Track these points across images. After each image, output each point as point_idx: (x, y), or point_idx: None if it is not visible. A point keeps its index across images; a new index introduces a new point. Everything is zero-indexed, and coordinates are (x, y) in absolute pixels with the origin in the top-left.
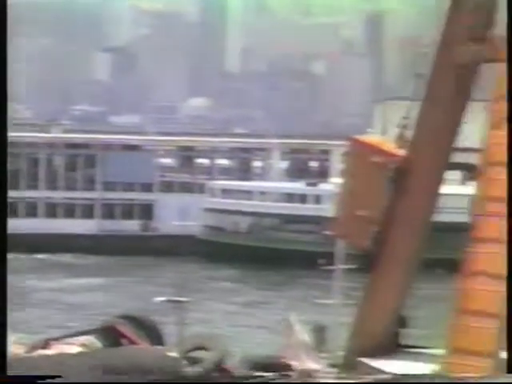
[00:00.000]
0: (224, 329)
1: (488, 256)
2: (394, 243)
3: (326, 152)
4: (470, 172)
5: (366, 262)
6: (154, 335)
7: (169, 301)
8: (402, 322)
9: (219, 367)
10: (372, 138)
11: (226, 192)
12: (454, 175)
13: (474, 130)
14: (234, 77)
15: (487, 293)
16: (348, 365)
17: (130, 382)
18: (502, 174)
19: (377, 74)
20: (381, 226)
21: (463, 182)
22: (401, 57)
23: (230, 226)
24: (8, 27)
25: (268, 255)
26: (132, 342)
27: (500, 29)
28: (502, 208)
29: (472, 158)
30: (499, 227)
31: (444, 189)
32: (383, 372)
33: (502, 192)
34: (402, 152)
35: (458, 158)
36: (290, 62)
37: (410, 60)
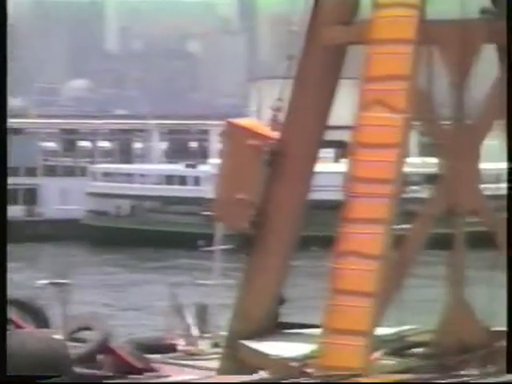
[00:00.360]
0: (107, 311)
1: (359, 236)
2: (272, 225)
3: (204, 132)
4: (343, 150)
5: (246, 244)
6: (40, 318)
7: (52, 283)
8: (280, 303)
9: (104, 347)
10: (247, 120)
11: (107, 175)
12: (327, 153)
13: (347, 107)
14: (113, 57)
15: (360, 272)
16: (230, 347)
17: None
18: (370, 155)
19: (252, 52)
20: (259, 208)
21: (336, 159)
22: (275, 35)
23: (112, 209)
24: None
25: (150, 238)
26: (18, 327)
27: (365, 12)
28: (370, 189)
29: (345, 136)
30: (369, 207)
31: (318, 167)
32: (264, 354)
33: (370, 173)
34: (276, 134)
35: (332, 135)
36: (168, 41)
37: (283, 38)
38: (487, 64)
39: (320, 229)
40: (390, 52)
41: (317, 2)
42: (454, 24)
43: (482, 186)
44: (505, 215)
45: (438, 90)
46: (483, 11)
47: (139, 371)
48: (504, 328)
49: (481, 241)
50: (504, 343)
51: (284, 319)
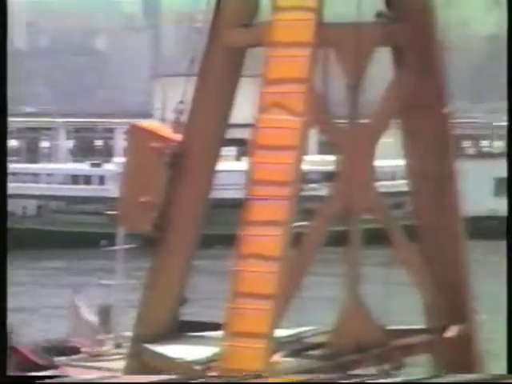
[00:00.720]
0: (11, 312)
1: (258, 238)
2: (174, 226)
3: (110, 130)
4: (244, 148)
5: (149, 243)
6: None
7: None
8: (182, 303)
9: (8, 346)
10: (150, 122)
11: (14, 175)
12: (229, 151)
13: (248, 105)
14: (20, 53)
15: (260, 274)
16: (134, 349)
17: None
18: (268, 157)
19: (156, 49)
20: (162, 211)
21: (238, 157)
22: (179, 33)
23: (18, 210)
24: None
25: (56, 238)
26: None
27: (264, 15)
28: (269, 191)
29: (246, 134)
30: (268, 210)
31: (220, 165)
32: (167, 357)
33: (268, 175)
34: (178, 136)
35: (233, 133)
36: (73, 37)
37: (187, 36)
38: (382, 66)
39: (223, 227)
40: (288, 55)
41: (218, 3)
42: (350, 27)
43: (377, 183)
44: (399, 213)
45: (334, 91)
46: (378, 15)
47: (42, 368)
48: (399, 326)
49: (376, 238)
50: (399, 341)
51: (188, 323)
